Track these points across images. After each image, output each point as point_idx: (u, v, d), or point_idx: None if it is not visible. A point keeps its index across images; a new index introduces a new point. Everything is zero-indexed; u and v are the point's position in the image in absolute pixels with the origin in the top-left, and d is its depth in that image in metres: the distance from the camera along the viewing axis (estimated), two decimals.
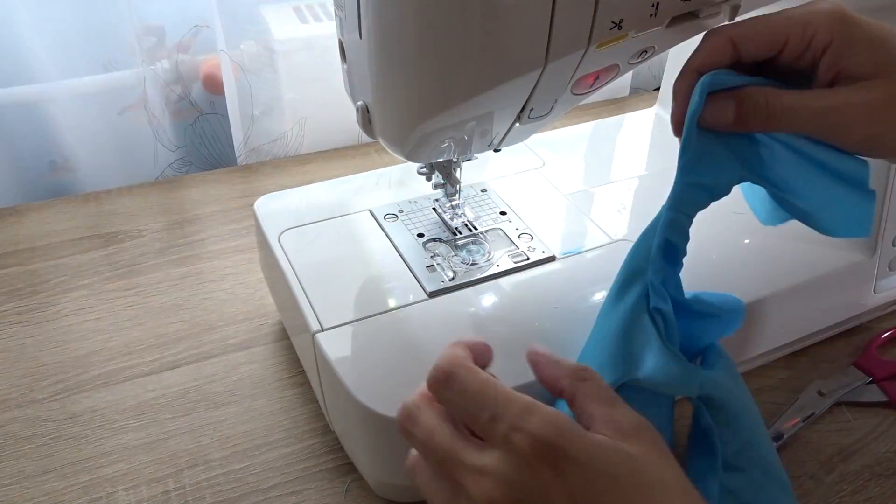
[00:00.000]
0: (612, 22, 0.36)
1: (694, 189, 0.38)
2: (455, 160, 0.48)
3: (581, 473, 0.26)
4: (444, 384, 0.28)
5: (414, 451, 0.31)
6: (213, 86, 0.73)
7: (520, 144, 0.46)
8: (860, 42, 0.34)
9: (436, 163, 0.48)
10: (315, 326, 0.43)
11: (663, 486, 0.28)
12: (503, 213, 0.52)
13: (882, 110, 0.34)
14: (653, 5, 0.36)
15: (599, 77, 0.40)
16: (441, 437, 0.28)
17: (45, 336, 0.54)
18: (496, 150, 0.46)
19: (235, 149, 0.74)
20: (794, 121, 0.34)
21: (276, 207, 0.52)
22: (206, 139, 0.77)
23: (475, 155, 0.47)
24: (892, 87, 0.33)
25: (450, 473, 0.28)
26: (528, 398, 0.28)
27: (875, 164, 0.49)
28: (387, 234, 0.50)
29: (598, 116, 0.68)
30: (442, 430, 0.28)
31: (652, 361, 0.36)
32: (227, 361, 0.52)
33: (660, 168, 0.57)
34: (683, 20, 0.39)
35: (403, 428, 0.30)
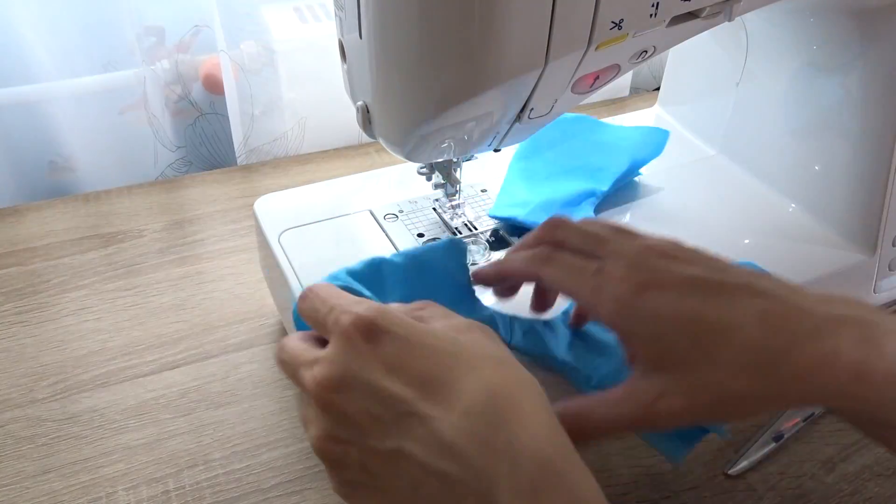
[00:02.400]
0: (613, 22, 0.36)
1: None
2: (455, 160, 0.48)
3: (397, 343, 0.28)
4: (302, 298, 0.33)
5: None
6: (213, 86, 0.73)
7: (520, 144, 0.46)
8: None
9: (436, 163, 0.48)
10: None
11: (483, 357, 0.29)
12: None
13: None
14: (653, 5, 0.36)
15: (599, 77, 0.40)
16: (289, 349, 0.32)
17: (45, 336, 0.54)
18: (496, 150, 0.46)
19: (235, 149, 0.74)
20: (606, 428, 0.34)
21: (276, 207, 0.52)
22: (206, 139, 0.77)
23: (475, 155, 0.47)
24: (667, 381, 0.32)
25: (295, 379, 0.31)
26: (360, 297, 0.32)
27: (876, 164, 0.50)
28: (387, 235, 0.50)
29: (597, 116, 0.68)
30: (292, 344, 0.32)
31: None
32: (228, 361, 0.52)
33: (659, 168, 0.57)
34: (684, 20, 0.39)
35: (277, 360, 0.33)
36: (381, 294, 0.39)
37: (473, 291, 0.42)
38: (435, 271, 0.41)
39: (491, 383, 0.28)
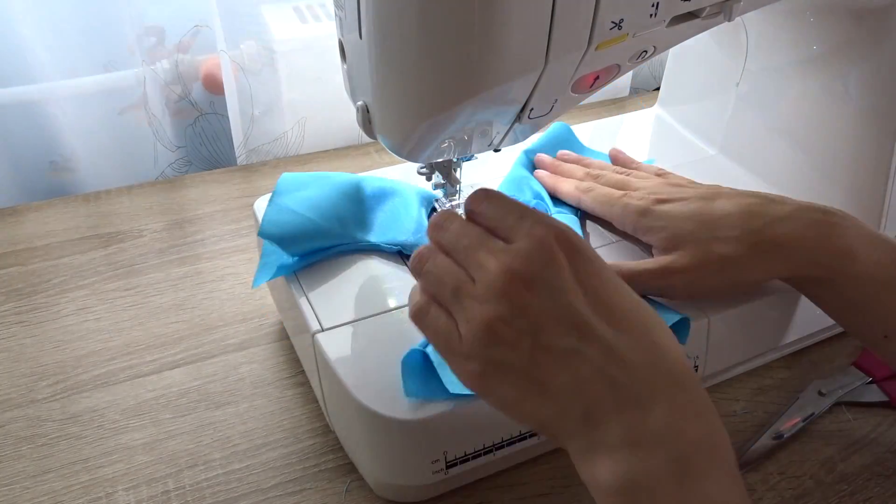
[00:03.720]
0: (612, 22, 0.36)
1: None
2: (455, 160, 0.48)
3: (588, 266, 0.32)
4: (481, 198, 0.35)
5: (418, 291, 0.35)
6: (213, 86, 0.73)
7: (520, 144, 0.46)
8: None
9: (436, 163, 0.48)
10: (315, 326, 0.43)
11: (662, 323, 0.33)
12: None
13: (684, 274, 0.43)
14: (653, 5, 0.36)
15: (599, 77, 0.40)
16: (472, 231, 0.33)
17: (45, 336, 0.54)
18: (496, 150, 0.46)
19: (235, 149, 0.74)
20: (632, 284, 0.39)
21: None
22: (206, 139, 0.77)
23: (475, 155, 0.47)
24: (689, 257, 0.43)
25: (472, 258, 0.32)
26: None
27: (876, 164, 0.50)
28: None
29: (598, 116, 0.68)
30: (471, 228, 0.34)
31: None
32: (227, 361, 0.52)
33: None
34: (684, 20, 0.39)
35: (432, 233, 0.35)
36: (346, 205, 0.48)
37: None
38: (399, 203, 0.49)
39: (675, 345, 0.32)
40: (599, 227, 0.51)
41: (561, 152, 0.56)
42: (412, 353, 0.39)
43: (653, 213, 0.45)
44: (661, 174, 0.52)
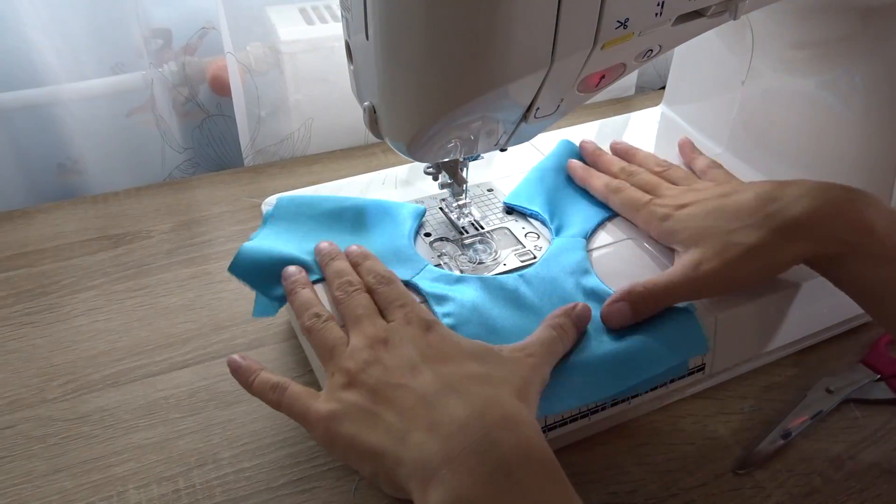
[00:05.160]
0: (618, 21, 0.36)
1: None
2: (461, 160, 0.48)
3: (440, 336, 0.39)
4: (386, 282, 0.43)
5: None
6: (220, 87, 0.73)
7: (526, 144, 0.46)
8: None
9: (442, 162, 0.48)
10: None
11: (475, 350, 0.39)
12: (509, 213, 0.53)
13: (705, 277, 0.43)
14: (658, 4, 0.36)
15: (605, 76, 0.40)
16: (358, 297, 0.43)
17: (56, 337, 0.54)
18: (502, 150, 0.46)
19: (242, 150, 0.75)
20: (670, 298, 0.43)
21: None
22: (213, 140, 0.77)
23: (481, 154, 0.48)
24: (704, 253, 0.44)
25: (351, 315, 0.41)
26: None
27: (883, 162, 0.50)
28: None
29: (603, 115, 0.68)
30: (361, 298, 0.42)
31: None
32: None
33: None
34: (689, 19, 0.39)
35: (341, 288, 0.43)
36: (332, 228, 0.49)
37: (412, 248, 0.48)
38: (387, 222, 0.50)
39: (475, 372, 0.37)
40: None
41: (613, 142, 0.58)
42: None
43: (673, 217, 0.47)
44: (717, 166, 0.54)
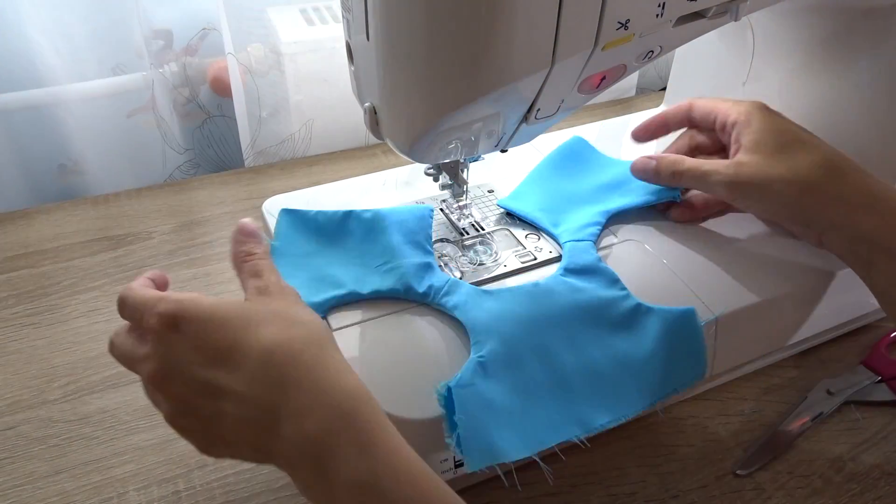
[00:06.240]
0: (619, 22, 0.36)
1: None
2: (462, 161, 0.48)
3: (194, 325, 0.33)
4: (119, 305, 0.36)
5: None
6: (221, 88, 0.74)
7: (527, 145, 0.46)
8: (755, 122, 0.46)
9: (443, 163, 0.48)
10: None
11: (269, 316, 0.34)
12: (510, 214, 0.53)
13: (742, 183, 0.45)
14: (659, 5, 0.36)
15: (606, 77, 0.40)
16: (120, 346, 0.36)
17: (56, 338, 0.54)
18: (503, 151, 0.46)
19: (243, 151, 0.75)
20: (696, 176, 0.46)
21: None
22: (213, 141, 0.77)
23: (482, 156, 0.47)
24: (750, 164, 0.45)
25: (134, 371, 0.35)
26: (162, 294, 0.35)
27: (884, 163, 0.50)
28: None
29: (604, 116, 0.68)
30: (122, 341, 0.36)
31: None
32: None
33: None
34: (690, 20, 0.39)
35: (113, 355, 0.37)
36: (342, 244, 0.48)
37: (431, 254, 0.47)
38: (398, 229, 0.48)
39: (272, 341, 0.33)
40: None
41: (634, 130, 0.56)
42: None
43: (759, 112, 0.47)
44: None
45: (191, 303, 0.34)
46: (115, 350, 0.36)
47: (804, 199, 0.43)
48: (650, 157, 0.50)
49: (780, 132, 0.45)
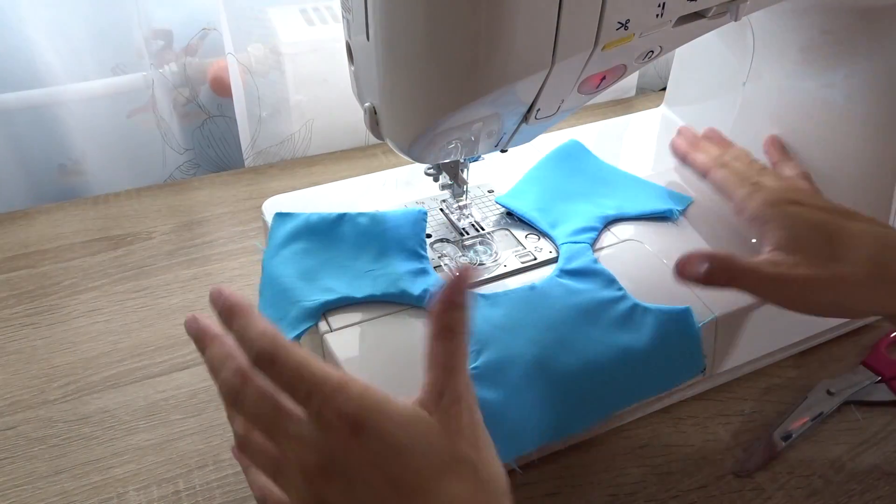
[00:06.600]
0: (619, 22, 0.36)
1: None
2: (462, 161, 0.48)
3: (380, 445, 0.30)
4: (267, 364, 0.31)
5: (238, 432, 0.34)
6: (221, 88, 0.74)
7: (527, 145, 0.46)
8: (789, 220, 0.43)
9: (443, 164, 0.48)
10: (324, 327, 0.43)
11: (464, 472, 0.31)
12: (510, 214, 0.53)
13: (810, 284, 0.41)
14: (659, 6, 0.36)
15: (606, 77, 0.40)
16: (267, 407, 0.31)
17: (56, 338, 0.54)
18: (503, 151, 0.46)
19: (243, 151, 0.75)
20: (747, 282, 0.41)
21: (284, 209, 0.52)
22: (213, 141, 0.77)
23: (482, 156, 0.47)
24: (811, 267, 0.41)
25: (274, 440, 0.32)
26: (340, 375, 0.31)
27: (883, 164, 0.50)
28: None
29: (604, 117, 0.68)
30: (266, 402, 0.31)
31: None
32: None
33: (666, 168, 0.57)
34: (690, 20, 0.39)
35: (230, 400, 0.32)
36: (336, 247, 0.47)
37: (426, 259, 0.47)
38: (392, 234, 0.48)
39: (459, 501, 0.30)
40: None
41: (707, 129, 0.56)
42: None
43: (782, 208, 0.44)
44: (806, 178, 0.51)
45: (377, 411, 0.30)
46: (247, 400, 0.32)
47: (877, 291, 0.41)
48: (703, 257, 0.41)
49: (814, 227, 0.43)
